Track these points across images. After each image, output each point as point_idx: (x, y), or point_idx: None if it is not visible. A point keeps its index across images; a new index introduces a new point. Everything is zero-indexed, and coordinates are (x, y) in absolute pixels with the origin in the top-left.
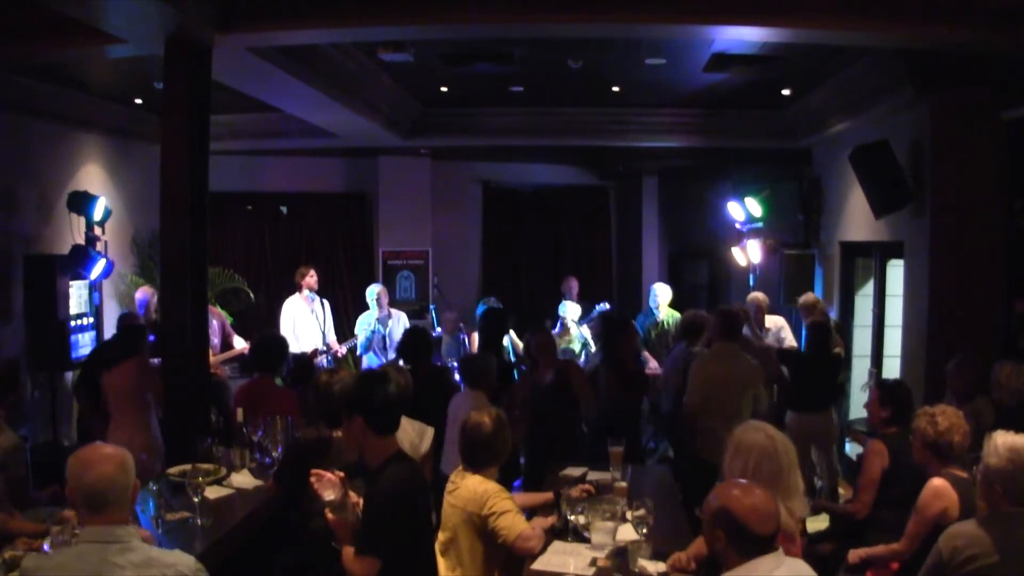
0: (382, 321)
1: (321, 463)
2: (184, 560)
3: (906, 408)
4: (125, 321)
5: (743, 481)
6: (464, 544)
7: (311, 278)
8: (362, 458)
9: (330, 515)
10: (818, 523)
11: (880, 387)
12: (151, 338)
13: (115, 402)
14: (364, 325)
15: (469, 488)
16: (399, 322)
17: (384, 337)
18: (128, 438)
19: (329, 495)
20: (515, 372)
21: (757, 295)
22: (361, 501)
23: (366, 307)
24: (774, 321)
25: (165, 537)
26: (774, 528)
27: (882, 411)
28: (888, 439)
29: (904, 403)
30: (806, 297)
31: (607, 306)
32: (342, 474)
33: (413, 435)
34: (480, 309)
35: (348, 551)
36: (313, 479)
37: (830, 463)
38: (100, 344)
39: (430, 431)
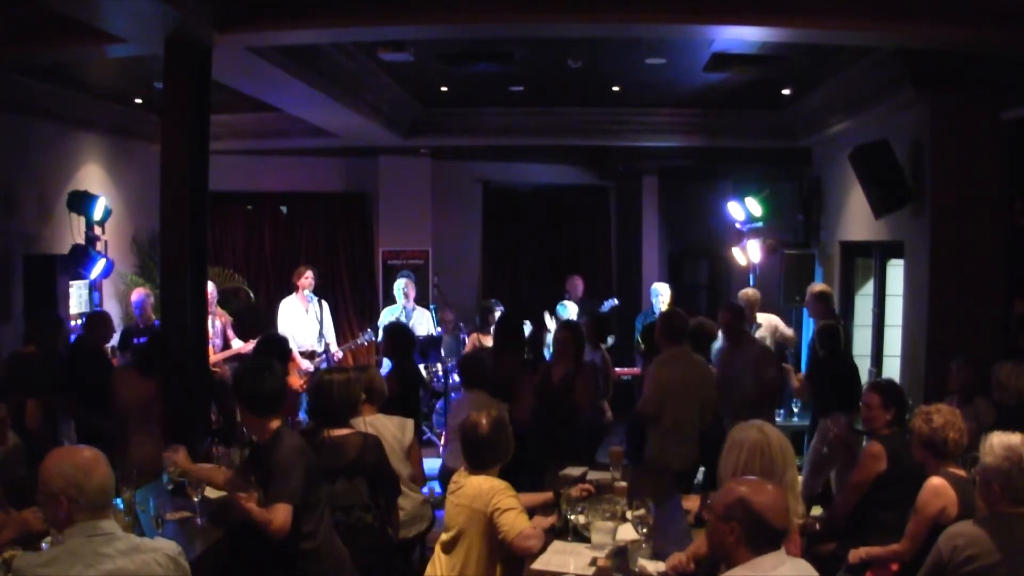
0: (407, 315)
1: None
2: (167, 545)
3: (904, 408)
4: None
5: (752, 478)
6: (469, 542)
7: (307, 279)
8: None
9: (238, 497)
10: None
11: (879, 390)
12: (143, 340)
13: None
14: (388, 318)
15: (475, 486)
16: (422, 318)
17: None
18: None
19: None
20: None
21: (748, 291)
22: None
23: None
24: (767, 319)
25: (166, 537)
26: (787, 524)
27: (886, 414)
28: (886, 440)
29: (904, 403)
30: (813, 288)
31: (616, 302)
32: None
33: (394, 429)
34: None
35: (257, 510)
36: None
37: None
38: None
39: (410, 423)
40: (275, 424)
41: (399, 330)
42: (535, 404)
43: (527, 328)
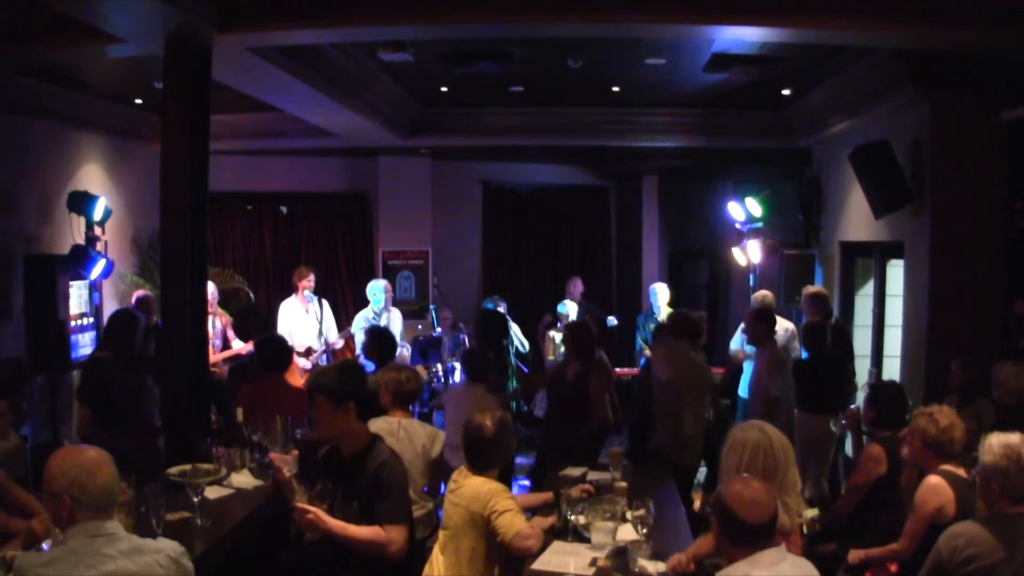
0: (379, 316)
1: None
2: (169, 545)
3: (896, 409)
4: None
5: (745, 475)
6: (465, 543)
7: (308, 280)
8: (338, 443)
9: (308, 510)
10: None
11: (869, 389)
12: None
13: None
14: (363, 322)
15: (472, 487)
16: (394, 319)
17: None
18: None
19: (292, 470)
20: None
21: (764, 293)
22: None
23: (366, 306)
24: (783, 326)
25: (165, 538)
26: (764, 518)
27: (869, 412)
28: (885, 442)
29: (892, 404)
30: (808, 289)
31: (614, 320)
32: (296, 452)
33: (425, 439)
34: (488, 306)
35: (360, 530)
36: (273, 458)
37: (820, 470)
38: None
39: (441, 435)
40: (370, 432)
41: (383, 334)
42: (549, 401)
43: (514, 330)
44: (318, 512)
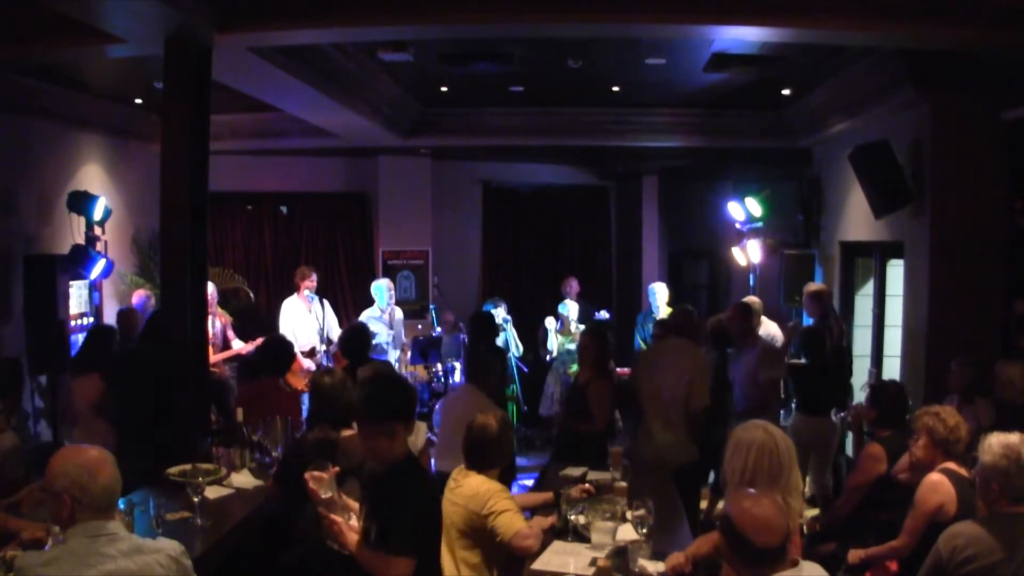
0: (384, 313)
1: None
2: (169, 545)
3: (897, 409)
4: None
5: (752, 491)
6: (462, 542)
7: (310, 280)
8: (370, 460)
9: (334, 521)
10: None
11: (870, 390)
12: None
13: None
14: (371, 321)
15: (471, 487)
16: (396, 316)
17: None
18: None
19: (327, 492)
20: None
21: (752, 299)
22: (356, 504)
23: (366, 306)
24: (767, 329)
25: (166, 537)
26: (778, 541)
27: (870, 412)
28: (886, 442)
29: (893, 404)
30: (808, 287)
31: (607, 315)
32: (336, 469)
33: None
34: (486, 309)
35: (366, 555)
36: (308, 478)
37: (822, 470)
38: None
39: (423, 427)
40: (403, 449)
41: (355, 333)
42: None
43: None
44: (341, 525)
